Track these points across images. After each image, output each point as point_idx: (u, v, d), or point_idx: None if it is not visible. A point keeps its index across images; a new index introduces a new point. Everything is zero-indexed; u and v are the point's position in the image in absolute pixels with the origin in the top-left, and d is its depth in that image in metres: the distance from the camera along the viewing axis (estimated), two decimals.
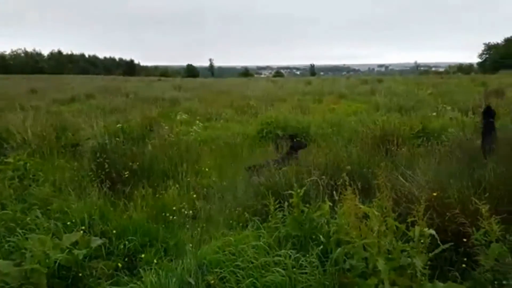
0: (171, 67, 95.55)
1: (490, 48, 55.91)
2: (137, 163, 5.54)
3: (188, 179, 5.41)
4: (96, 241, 3.43)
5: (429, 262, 2.71)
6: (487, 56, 56.01)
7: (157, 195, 4.74)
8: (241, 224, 3.93)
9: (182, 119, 10.59)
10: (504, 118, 6.71)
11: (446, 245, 2.48)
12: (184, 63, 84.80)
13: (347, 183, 2.83)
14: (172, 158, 5.91)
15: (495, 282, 2.60)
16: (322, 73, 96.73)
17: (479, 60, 57.51)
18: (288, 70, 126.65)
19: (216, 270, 2.94)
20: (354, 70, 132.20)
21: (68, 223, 3.78)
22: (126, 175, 5.23)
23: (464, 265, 2.90)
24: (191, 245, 3.38)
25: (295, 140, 6.70)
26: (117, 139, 6.41)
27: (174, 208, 4.33)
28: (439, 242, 2.54)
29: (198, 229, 3.88)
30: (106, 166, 5.29)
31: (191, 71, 73.94)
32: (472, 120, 7.32)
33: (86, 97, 17.87)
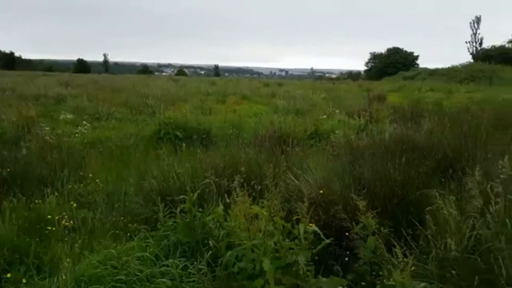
0: (59, 61, 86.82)
1: (375, 57, 62.22)
2: (8, 169, 4.83)
3: (70, 186, 4.90)
4: None
5: (316, 258, 2.83)
6: (372, 64, 62.32)
7: (31, 205, 4.17)
8: (128, 234, 3.65)
9: (66, 119, 9.59)
10: (383, 121, 7.47)
11: (327, 241, 2.58)
12: (75, 57, 77.37)
13: (244, 185, 2.81)
14: (52, 163, 5.28)
15: (373, 273, 2.80)
16: (226, 74, 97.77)
17: (366, 68, 63.77)
18: (192, 69, 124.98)
19: (95, 286, 2.66)
20: (257, 73, 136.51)
21: None
22: None
23: (346, 259, 3.08)
24: (69, 260, 3.03)
25: None
26: None
27: (50, 218, 3.83)
28: (323, 237, 2.65)
29: (79, 241, 3.51)
30: None
31: (82, 66, 67.37)
32: (357, 122, 8.01)
33: None
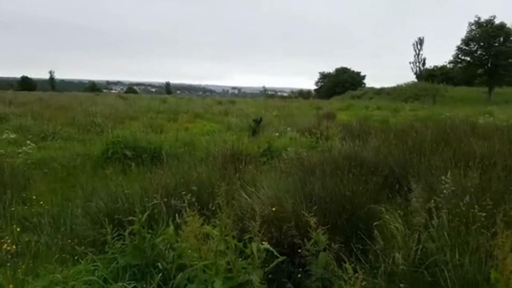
0: (1, 79, 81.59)
1: (324, 77, 64.82)
2: None
3: (13, 208, 4.64)
4: None
5: (269, 276, 2.83)
6: (322, 83, 64.78)
7: None
8: (76, 258, 3.47)
9: (9, 138, 8.99)
10: (332, 138, 7.73)
11: (280, 258, 2.61)
12: (18, 74, 73.29)
13: (192, 205, 2.77)
14: None
15: None
16: (178, 91, 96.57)
17: (316, 87, 66.13)
18: (143, 86, 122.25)
19: None
20: (209, 90, 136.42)
21: None
22: None
23: (299, 276, 3.11)
24: (11, 286, 2.91)
25: None
26: None
27: None
28: (276, 255, 2.67)
29: (23, 266, 3.31)
30: None
31: (26, 84, 64.12)
32: (307, 140, 8.23)
33: None
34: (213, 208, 4.02)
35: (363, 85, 58.99)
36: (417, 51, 55.47)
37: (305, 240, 3.07)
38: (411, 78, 60.42)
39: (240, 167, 6.56)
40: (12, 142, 8.98)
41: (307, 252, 3.00)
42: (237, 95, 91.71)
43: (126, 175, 6.21)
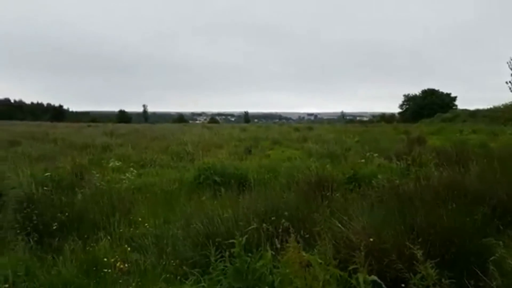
0: (102, 113, 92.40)
1: (409, 99, 61.31)
2: (66, 214, 5.11)
3: (121, 230, 5.08)
4: None
5: None
6: (407, 106, 61.34)
7: (87, 248, 4.37)
8: (179, 278, 3.70)
9: (114, 166, 10.03)
10: (426, 165, 7.27)
11: None
12: (116, 108, 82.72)
13: (290, 230, 2.82)
14: (103, 208, 5.53)
15: None
16: (256, 120, 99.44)
17: (400, 110, 62.70)
18: (223, 116, 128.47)
19: None
20: (285, 118, 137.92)
21: None
22: (55, 227, 4.86)
23: None
24: None
25: None
26: (45, 188, 5.89)
27: (106, 261, 4.00)
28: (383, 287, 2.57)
29: (133, 284, 3.61)
30: (34, 217, 4.87)
31: (123, 117, 71.96)
32: (398, 167, 7.83)
33: (10, 143, 16.39)
34: (307, 235, 4.05)
35: (454, 107, 54.63)
36: None
37: (410, 273, 2.90)
38: (510, 98, 54.42)
39: (327, 194, 6.48)
40: (116, 169, 9.95)
41: (414, 287, 2.83)
42: (313, 121, 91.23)
43: (217, 200, 6.51)
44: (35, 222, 4.87)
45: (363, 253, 2.52)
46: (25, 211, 5.02)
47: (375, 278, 2.46)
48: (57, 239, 4.68)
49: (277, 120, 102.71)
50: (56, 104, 77.91)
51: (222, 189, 7.23)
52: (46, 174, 7.32)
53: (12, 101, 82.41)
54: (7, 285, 3.33)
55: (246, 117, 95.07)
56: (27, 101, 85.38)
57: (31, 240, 4.49)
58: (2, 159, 11.41)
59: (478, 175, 5.35)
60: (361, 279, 2.38)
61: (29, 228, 4.80)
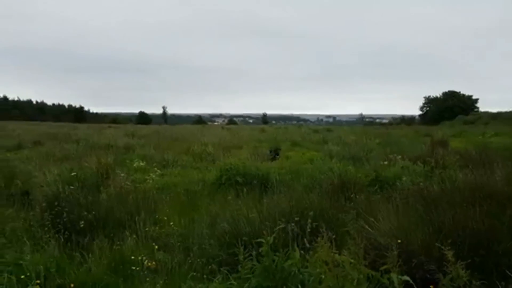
0: (121, 114, 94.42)
1: (430, 101, 60.27)
2: (93, 213, 5.24)
3: (147, 228, 5.15)
4: None
5: None
6: (427, 108, 60.28)
7: (114, 247, 4.46)
8: (205, 276, 3.76)
9: (138, 166, 10.23)
10: (451, 167, 7.16)
11: None
12: (135, 110, 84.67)
13: (321, 230, 2.85)
14: (129, 207, 5.64)
15: None
16: (274, 121, 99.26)
17: (420, 112, 61.62)
18: (241, 118, 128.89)
19: None
20: (304, 119, 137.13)
21: (22, 276, 3.46)
22: (82, 225, 4.95)
23: None
24: None
25: None
26: (71, 187, 6.04)
27: (133, 259, 4.08)
28: None
29: (160, 282, 3.68)
30: (64, 215, 5.01)
31: (143, 118, 73.42)
32: (422, 169, 7.73)
33: (34, 143, 16.92)
34: (333, 235, 4.07)
35: (475, 110, 53.43)
36: None
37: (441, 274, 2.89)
38: None
39: (351, 196, 6.46)
40: (140, 169, 10.14)
41: (444, 287, 2.82)
42: (332, 123, 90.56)
43: (240, 200, 6.57)
44: (65, 220, 4.99)
45: (395, 252, 2.53)
46: (55, 210, 5.13)
47: (407, 278, 2.47)
48: (86, 237, 4.77)
49: (295, 122, 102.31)
50: (77, 106, 79.88)
51: (244, 190, 7.29)
52: (72, 173, 7.52)
53: (34, 102, 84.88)
54: (39, 281, 3.44)
55: (264, 119, 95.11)
56: (49, 102, 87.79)
57: (61, 237, 4.59)
58: (27, 158, 11.79)
59: (504, 178, 5.25)
60: (395, 279, 2.39)
61: (59, 225, 4.91)
